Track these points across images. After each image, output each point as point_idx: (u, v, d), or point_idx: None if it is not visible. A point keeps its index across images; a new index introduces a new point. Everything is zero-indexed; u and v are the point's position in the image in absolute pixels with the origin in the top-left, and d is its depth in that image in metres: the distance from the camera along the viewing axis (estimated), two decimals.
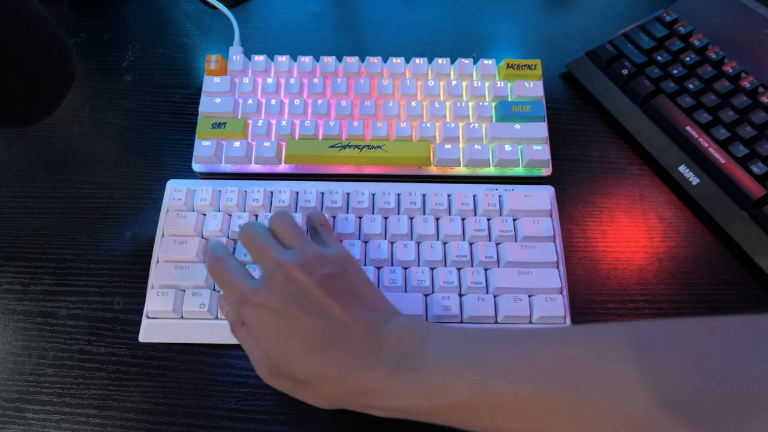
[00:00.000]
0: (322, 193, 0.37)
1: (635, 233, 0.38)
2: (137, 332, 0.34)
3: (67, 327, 0.34)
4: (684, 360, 0.20)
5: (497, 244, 0.36)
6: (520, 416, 0.22)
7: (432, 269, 0.35)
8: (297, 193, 0.37)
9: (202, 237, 0.36)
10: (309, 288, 0.26)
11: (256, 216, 0.36)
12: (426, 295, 0.34)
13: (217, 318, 0.34)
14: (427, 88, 0.41)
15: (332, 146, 0.39)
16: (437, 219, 0.37)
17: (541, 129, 0.40)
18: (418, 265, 0.35)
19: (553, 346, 0.23)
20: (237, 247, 0.35)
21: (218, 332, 0.33)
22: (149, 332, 0.33)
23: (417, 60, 0.42)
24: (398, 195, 0.37)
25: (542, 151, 0.39)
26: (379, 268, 0.35)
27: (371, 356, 0.24)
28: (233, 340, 0.33)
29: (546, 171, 0.40)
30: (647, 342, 0.21)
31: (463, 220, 0.37)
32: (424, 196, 0.37)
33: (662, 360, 0.20)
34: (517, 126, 0.40)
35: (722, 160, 0.38)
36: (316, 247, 0.28)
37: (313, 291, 0.26)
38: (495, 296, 0.34)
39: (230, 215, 0.36)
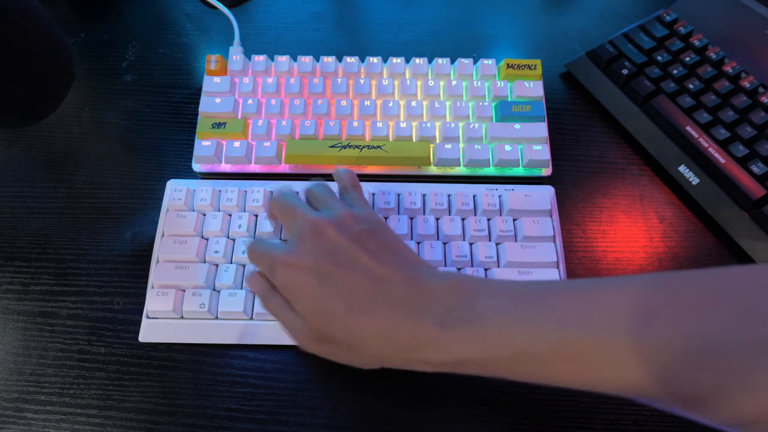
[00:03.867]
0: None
1: (635, 233, 0.38)
2: (137, 332, 0.34)
3: (67, 327, 0.34)
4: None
5: (497, 244, 0.36)
6: (584, 364, 0.22)
7: None
8: (297, 194, 0.37)
9: (202, 237, 0.36)
10: (342, 243, 0.25)
11: (256, 216, 0.36)
12: None
13: (217, 318, 0.34)
14: (427, 88, 0.41)
15: (332, 146, 0.39)
16: (437, 219, 0.37)
17: (541, 129, 0.40)
18: None
19: (627, 293, 0.22)
20: (236, 245, 0.35)
21: (218, 332, 0.33)
22: (149, 332, 0.33)
23: (417, 60, 0.42)
24: (398, 195, 0.37)
25: (542, 151, 0.39)
26: None
27: (416, 309, 0.24)
28: (233, 340, 0.33)
29: (546, 171, 0.40)
30: (725, 288, 0.21)
31: (463, 220, 0.37)
32: (424, 196, 0.37)
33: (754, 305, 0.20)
34: (517, 126, 0.40)
35: (722, 160, 0.38)
36: (348, 208, 0.28)
37: (348, 246, 0.25)
38: None
39: (230, 215, 0.36)
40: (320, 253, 0.25)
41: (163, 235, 0.36)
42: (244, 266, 0.35)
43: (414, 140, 0.40)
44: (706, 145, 0.38)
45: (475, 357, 0.23)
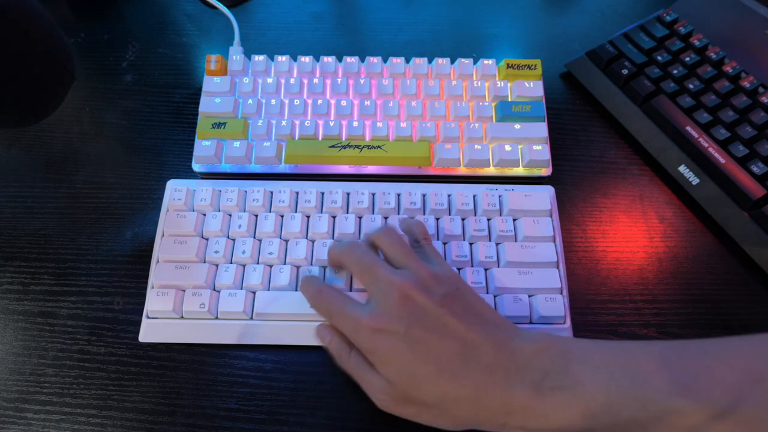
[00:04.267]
0: (322, 193, 0.37)
1: (635, 233, 0.38)
2: (137, 332, 0.34)
3: (67, 327, 0.34)
4: None
5: (497, 244, 0.36)
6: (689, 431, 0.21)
7: None
8: (297, 193, 0.37)
9: (202, 237, 0.36)
10: (430, 308, 0.25)
11: (256, 216, 0.36)
12: None
13: (217, 318, 0.34)
14: (427, 88, 0.41)
15: (332, 146, 0.39)
16: (437, 219, 0.37)
17: (541, 129, 0.40)
18: None
19: (729, 360, 0.22)
20: (236, 245, 0.35)
21: (218, 332, 0.33)
22: (149, 332, 0.33)
23: (417, 60, 0.42)
24: (398, 195, 0.37)
25: (542, 151, 0.39)
26: None
27: (509, 373, 0.24)
28: (233, 340, 0.33)
29: (546, 171, 0.40)
30: None
31: (463, 220, 0.37)
32: (424, 196, 0.37)
33: None
34: (517, 126, 0.40)
35: (722, 160, 0.38)
36: (428, 266, 0.27)
37: (435, 311, 0.25)
38: (495, 296, 0.34)
39: (230, 215, 0.36)
40: (408, 317, 0.25)
41: (163, 235, 0.36)
42: (243, 266, 0.35)
43: (414, 140, 0.40)
44: (706, 145, 0.38)
45: (577, 425, 0.23)
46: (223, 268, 0.34)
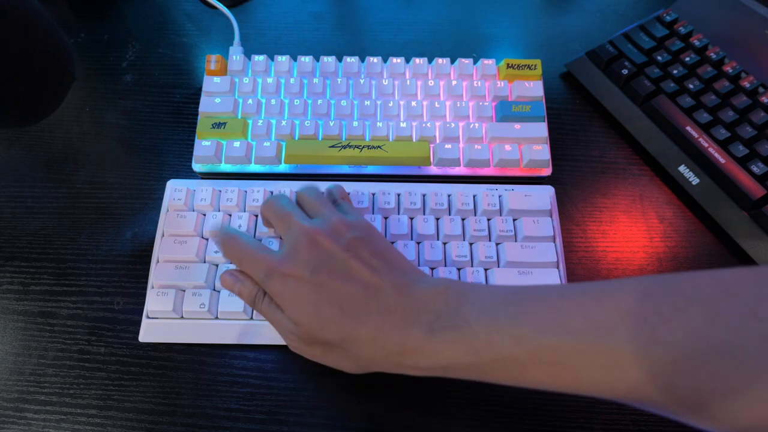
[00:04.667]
0: (322, 193, 0.37)
1: (635, 233, 0.38)
2: (137, 332, 0.34)
3: (67, 327, 0.34)
4: (738, 309, 0.20)
5: (497, 244, 0.36)
6: (564, 369, 0.22)
7: (432, 269, 0.35)
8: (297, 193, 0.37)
9: (202, 237, 0.36)
10: (336, 253, 0.26)
11: (256, 216, 0.36)
12: None
13: (217, 318, 0.34)
14: (427, 88, 0.41)
15: (332, 146, 0.39)
16: (437, 219, 0.37)
17: (541, 129, 0.40)
18: (418, 265, 0.35)
19: (603, 299, 0.23)
20: None
21: (218, 332, 0.33)
22: (149, 332, 0.33)
23: (417, 60, 0.42)
24: (398, 195, 0.37)
25: (542, 151, 0.39)
26: None
27: (407, 315, 0.25)
28: (233, 340, 0.33)
29: (546, 171, 0.40)
30: (696, 291, 0.21)
31: (463, 220, 0.37)
32: (424, 196, 0.37)
33: (716, 309, 0.20)
34: (517, 126, 0.40)
35: (722, 160, 0.38)
36: (340, 215, 0.29)
37: (341, 255, 0.26)
38: None
39: (230, 215, 0.36)
40: (314, 262, 0.26)
41: (163, 235, 0.36)
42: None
43: (414, 140, 0.40)
44: (706, 145, 0.38)
45: (462, 362, 0.24)
46: (223, 268, 0.34)
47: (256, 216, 0.36)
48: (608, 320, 0.22)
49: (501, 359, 0.23)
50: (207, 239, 0.36)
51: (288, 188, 0.37)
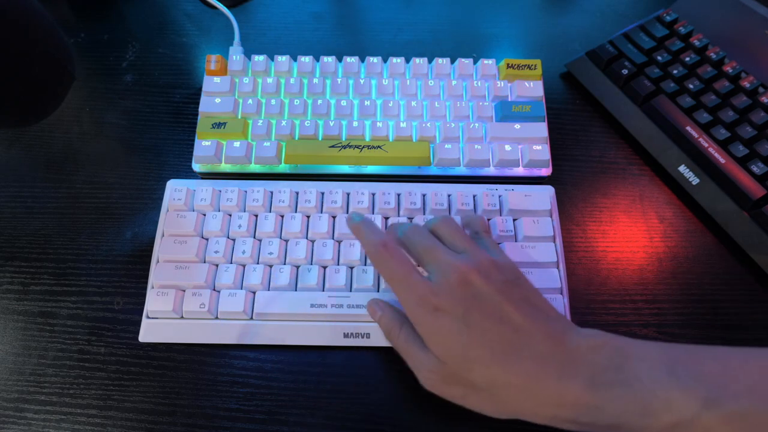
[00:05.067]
0: (322, 193, 0.37)
1: (635, 233, 0.38)
2: (137, 332, 0.34)
3: (67, 327, 0.34)
4: None
5: (497, 244, 0.36)
6: None
7: None
8: (297, 193, 0.37)
9: (202, 237, 0.36)
10: (489, 293, 0.25)
11: (256, 216, 0.36)
12: None
13: (217, 318, 0.34)
14: (428, 88, 0.41)
15: (332, 146, 0.39)
16: None
17: (541, 129, 0.40)
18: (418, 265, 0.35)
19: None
20: (236, 245, 0.35)
21: (218, 332, 0.33)
22: (149, 332, 0.33)
23: (417, 60, 0.42)
24: (398, 195, 0.37)
25: (542, 151, 0.39)
26: None
27: (564, 365, 0.24)
28: (233, 340, 0.33)
29: (546, 171, 0.40)
30: None
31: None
32: (424, 196, 0.37)
33: None
34: (517, 126, 0.40)
35: (722, 160, 0.38)
36: (487, 254, 0.27)
37: (494, 297, 0.25)
38: None
39: (230, 215, 0.36)
40: (469, 301, 0.25)
41: (163, 235, 0.36)
42: (243, 266, 0.35)
43: (414, 140, 0.40)
44: (706, 145, 0.38)
45: (634, 422, 0.22)
46: (223, 268, 0.34)
47: (256, 216, 0.36)
48: None
49: (679, 423, 0.21)
50: (207, 239, 0.36)
51: (288, 188, 0.37)
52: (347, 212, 0.37)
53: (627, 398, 0.22)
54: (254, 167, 0.39)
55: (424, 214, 0.37)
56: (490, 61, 0.42)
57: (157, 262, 0.35)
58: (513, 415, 0.25)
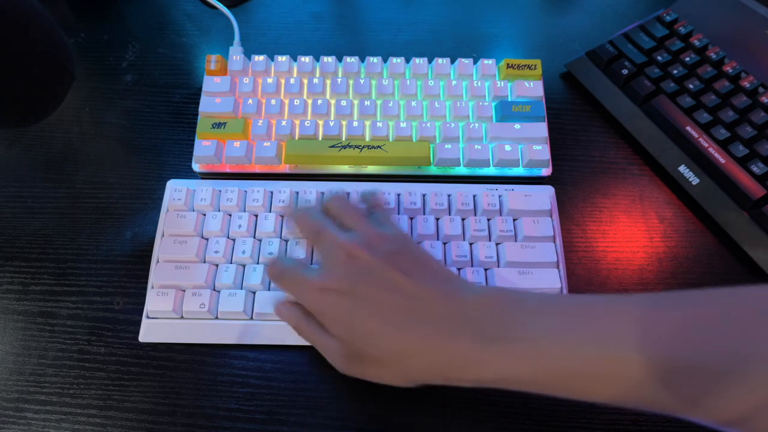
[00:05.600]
0: (322, 193, 0.37)
1: (635, 233, 0.38)
2: (137, 332, 0.34)
3: (67, 327, 0.34)
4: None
5: (497, 244, 0.36)
6: (622, 382, 0.22)
7: None
8: (297, 193, 0.37)
9: (202, 237, 0.36)
10: (374, 265, 0.25)
11: (256, 216, 0.36)
12: None
13: (217, 318, 0.34)
14: (427, 88, 0.41)
15: (332, 146, 0.39)
16: (437, 219, 0.37)
17: (541, 129, 0.40)
18: None
19: (660, 311, 0.22)
20: (236, 245, 0.35)
21: (218, 332, 0.33)
22: (149, 332, 0.33)
23: (417, 60, 0.42)
24: (398, 195, 0.37)
25: (542, 151, 0.39)
26: None
27: (454, 326, 0.24)
28: (233, 340, 0.33)
29: (546, 171, 0.40)
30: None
31: (463, 220, 0.37)
32: (424, 196, 0.37)
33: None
34: (517, 126, 0.40)
35: (722, 160, 0.38)
36: (375, 228, 0.28)
37: (380, 267, 0.25)
38: None
39: (230, 215, 0.36)
40: (354, 275, 0.25)
41: (163, 235, 0.36)
42: (243, 266, 0.35)
43: (414, 140, 0.40)
44: (706, 145, 0.38)
45: (518, 375, 0.23)
46: (223, 268, 0.34)
47: (256, 216, 0.36)
48: (672, 332, 0.21)
49: (558, 372, 0.22)
50: (207, 239, 0.36)
51: (288, 188, 0.37)
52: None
53: (512, 352, 0.23)
54: (254, 167, 0.39)
55: (424, 214, 0.37)
56: (490, 61, 0.42)
57: (157, 262, 0.35)
58: (416, 382, 0.26)
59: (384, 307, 0.24)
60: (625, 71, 0.42)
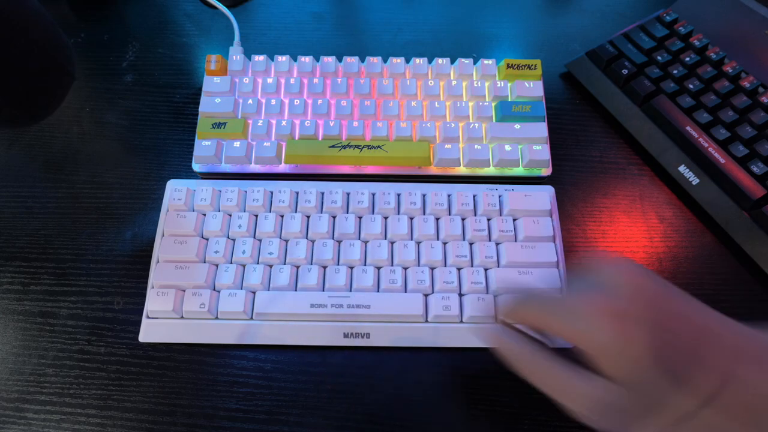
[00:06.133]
0: (322, 193, 0.37)
1: (635, 233, 0.38)
2: (137, 332, 0.34)
3: (67, 327, 0.34)
4: None
5: (497, 244, 0.36)
6: None
7: (432, 269, 0.35)
8: (297, 193, 0.37)
9: (202, 237, 0.36)
10: (663, 291, 0.23)
11: (256, 216, 0.36)
12: (426, 295, 0.34)
13: (217, 318, 0.34)
14: (427, 88, 0.41)
15: (332, 146, 0.39)
16: (437, 219, 0.37)
17: (541, 129, 0.40)
18: (418, 265, 0.35)
19: None
20: (236, 245, 0.35)
21: (218, 332, 0.33)
22: (149, 332, 0.33)
23: (417, 60, 0.42)
24: (398, 195, 0.37)
25: (542, 151, 0.39)
26: (379, 268, 0.35)
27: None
28: (233, 340, 0.33)
29: (546, 171, 0.40)
30: None
31: (463, 220, 0.37)
32: (424, 196, 0.37)
33: None
34: (517, 126, 0.40)
35: (722, 160, 0.38)
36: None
37: (672, 294, 0.23)
38: (495, 296, 0.34)
39: (230, 215, 0.36)
40: (649, 302, 0.22)
41: (163, 235, 0.36)
42: (243, 266, 0.35)
43: (414, 140, 0.40)
44: (706, 145, 0.38)
45: None
46: (223, 268, 0.34)
47: (256, 216, 0.36)
48: None
49: None
50: (207, 239, 0.36)
51: (288, 188, 0.37)
52: (347, 212, 0.37)
53: None
54: (254, 167, 0.39)
55: (424, 214, 0.37)
56: (490, 61, 0.42)
57: (157, 262, 0.35)
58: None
59: (685, 339, 0.21)
60: (625, 71, 0.42)
